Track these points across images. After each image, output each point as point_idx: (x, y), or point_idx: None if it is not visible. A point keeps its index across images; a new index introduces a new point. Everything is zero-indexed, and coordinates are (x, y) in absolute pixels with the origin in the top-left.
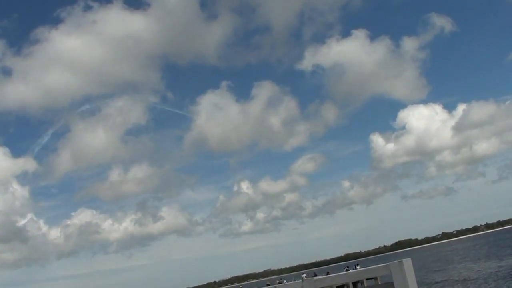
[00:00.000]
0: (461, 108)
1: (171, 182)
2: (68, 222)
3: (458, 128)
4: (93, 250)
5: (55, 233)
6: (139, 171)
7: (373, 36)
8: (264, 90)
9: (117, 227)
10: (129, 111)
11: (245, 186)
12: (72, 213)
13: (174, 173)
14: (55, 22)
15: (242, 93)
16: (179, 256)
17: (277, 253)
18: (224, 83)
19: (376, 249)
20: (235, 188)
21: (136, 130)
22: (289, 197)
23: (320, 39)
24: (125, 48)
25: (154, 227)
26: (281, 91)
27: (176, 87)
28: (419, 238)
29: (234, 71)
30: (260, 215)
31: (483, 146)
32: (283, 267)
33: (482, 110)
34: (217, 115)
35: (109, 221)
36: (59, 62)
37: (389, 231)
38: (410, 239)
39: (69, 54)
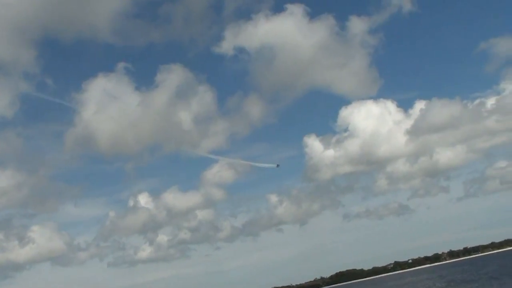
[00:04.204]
0: (419, 106)
1: (46, 194)
2: None
3: (415, 132)
4: None
5: None
6: (2, 179)
7: (313, 14)
8: (173, 76)
9: None
10: None
11: (144, 199)
12: None
13: (51, 182)
14: None
15: (144, 79)
16: None
17: (185, 286)
18: (120, 65)
19: (311, 281)
20: (131, 202)
21: (0, 124)
22: (201, 215)
23: (245, 14)
24: None
25: (21, 253)
26: (194, 79)
27: (56, 69)
28: (366, 268)
29: (134, 50)
30: (162, 237)
31: (446, 155)
32: None
33: (445, 109)
34: (109, 107)
35: None
36: None
37: (328, 259)
38: (355, 270)
39: None
